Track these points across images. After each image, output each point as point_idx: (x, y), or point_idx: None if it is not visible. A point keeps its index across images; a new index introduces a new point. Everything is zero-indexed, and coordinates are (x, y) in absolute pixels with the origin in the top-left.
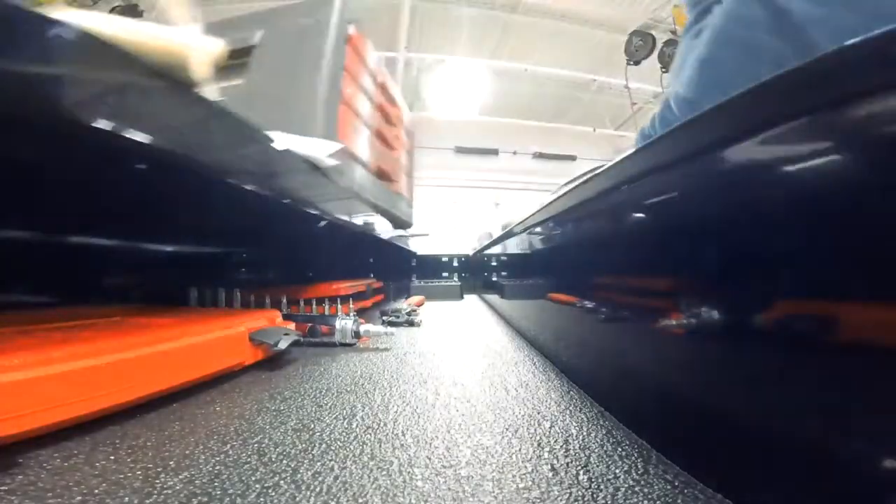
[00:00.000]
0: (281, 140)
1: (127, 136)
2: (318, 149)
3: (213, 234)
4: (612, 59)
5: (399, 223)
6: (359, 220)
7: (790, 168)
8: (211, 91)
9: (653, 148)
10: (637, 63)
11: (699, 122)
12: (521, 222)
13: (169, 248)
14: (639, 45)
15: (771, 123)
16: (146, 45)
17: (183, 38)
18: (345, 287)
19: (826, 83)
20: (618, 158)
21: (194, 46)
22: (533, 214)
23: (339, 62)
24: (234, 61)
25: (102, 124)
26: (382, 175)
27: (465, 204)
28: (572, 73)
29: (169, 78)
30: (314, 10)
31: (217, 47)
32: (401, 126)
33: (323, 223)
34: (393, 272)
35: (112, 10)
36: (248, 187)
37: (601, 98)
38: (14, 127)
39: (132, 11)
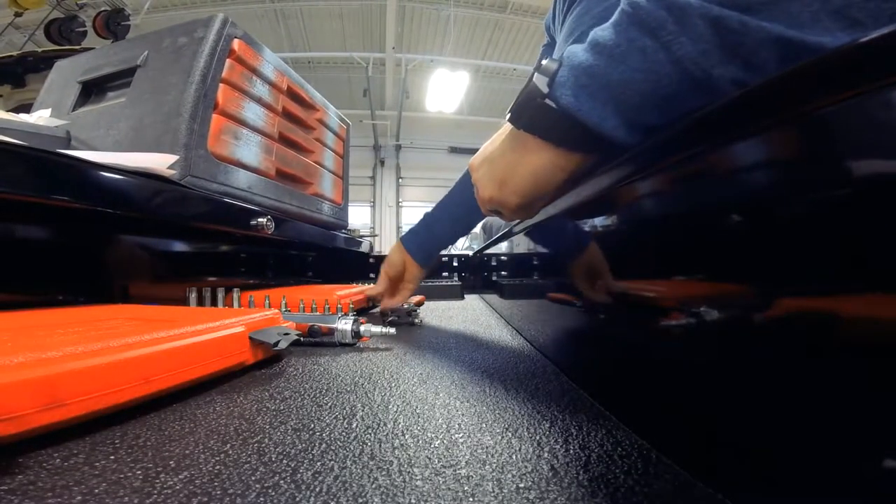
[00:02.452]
0: (103, 159)
1: None
2: (155, 161)
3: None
4: None
5: (327, 225)
6: (253, 222)
7: (790, 168)
8: None
9: (651, 147)
10: None
11: (697, 121)
12: (519, 222)
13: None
14: None
15: (771, 123)
16: None
17: None
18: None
19: (825, 82)
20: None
21: None
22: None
23: (213, 76)
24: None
25: None
26: (288, 178)
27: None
28: None
29: None
30: (192, 30)
31: None
32: (322, 129)
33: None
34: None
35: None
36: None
37: None
38: None
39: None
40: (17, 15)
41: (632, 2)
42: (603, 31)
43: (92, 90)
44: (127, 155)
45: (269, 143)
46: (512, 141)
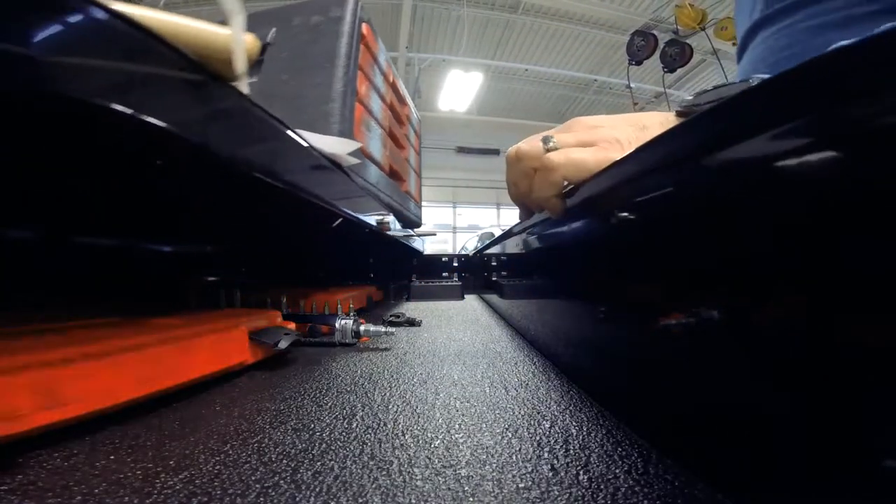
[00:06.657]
0: (309, 139)
1: (154, 128)
2: (338, 147)
3: (224, 232)
4: (613, 58)
5: (409, 223)
6: (372, 220)
7: (790, 168)
8: (243, 86)
9: (651, 148)
10: (639, 63)
11: (699, 121)
12: (519, 223)
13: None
14: (640, 45)
15: (771, 124)
16: (186, 35)
17: (225, 31)
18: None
19: (823, 83)
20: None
21: (236, 40)
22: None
23: (353, 60)
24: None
25: (127, 115)
26: (394, 174)
27: (466, 203)
28: (573, 73)
29: (205, 71)
30: (326, 9)
31: (252, 42)
32: (409, 125)
33: (340, 221)
34: (398, 272)
35: None
36: (278, 184)
37: (602, 98)
38: (23, 112)
39: None
40: None
41: None
42: None
43: None
44: (317, 136)
45: (385, 137)
46: None
